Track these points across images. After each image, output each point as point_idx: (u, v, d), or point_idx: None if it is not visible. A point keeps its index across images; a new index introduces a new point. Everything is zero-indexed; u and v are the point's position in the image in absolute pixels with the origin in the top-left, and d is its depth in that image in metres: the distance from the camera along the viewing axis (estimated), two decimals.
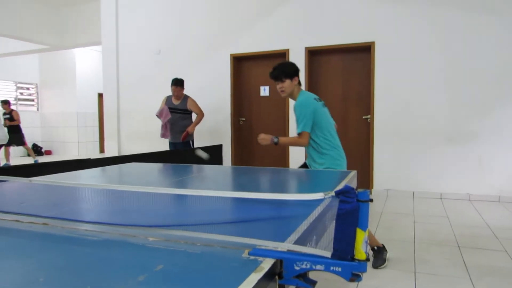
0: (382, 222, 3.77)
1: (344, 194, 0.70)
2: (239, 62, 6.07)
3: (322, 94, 5.55)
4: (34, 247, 0.84)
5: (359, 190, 0.70)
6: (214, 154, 5.75)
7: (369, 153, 5.17)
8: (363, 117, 5.30)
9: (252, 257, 0.74)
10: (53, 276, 0.67)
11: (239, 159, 6.16)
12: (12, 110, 9.28)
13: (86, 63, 11.59)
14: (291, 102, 5.40)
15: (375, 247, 2.63)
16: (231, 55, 5.96)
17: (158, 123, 5.36)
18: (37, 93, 12.31)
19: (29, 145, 11.77)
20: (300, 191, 1.79)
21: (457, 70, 4.69)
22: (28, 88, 12.24)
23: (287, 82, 2.64)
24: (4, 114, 9.18)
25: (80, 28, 8.91)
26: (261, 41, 5.73)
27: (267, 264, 0.70)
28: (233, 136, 6.05)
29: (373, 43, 5.00)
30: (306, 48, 5.41)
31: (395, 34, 4.92)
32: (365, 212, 0.70)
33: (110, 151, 6.89)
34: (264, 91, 6.04)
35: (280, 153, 5.77)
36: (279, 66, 2.68)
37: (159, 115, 5.21)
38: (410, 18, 4.84)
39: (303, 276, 0.74)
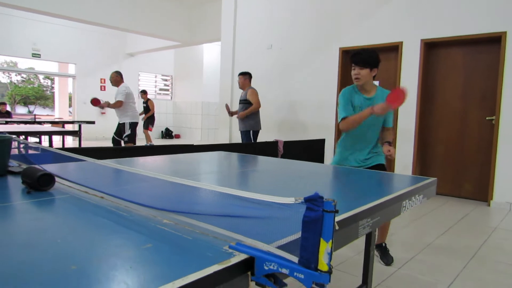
0: (491, 238, 3.28)
1: (311, 202, 0.69)
2: (348, 56, 5.88)
3: (439, 91, 5.04)
4: (88, 211, 1.07)
5: (326, 199, 0.68)
6: (316, 148, 5.75)
7: (491, 159, 4.50)
8: (487, 118, 4.63)
9: (230, 250, 0.78)
10: (82, 229, 0.83)
11: None
12: (149, 99, 10.62)
13: (212, 57, 12.67)
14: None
15: (384, 244, 2.68)
16: (340, 48, 5.83)
17: (266, 114, 5.65)
18: (171, 84, 14.00)
19: (163, 129, 13.49)
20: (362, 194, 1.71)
21: None
22: (166, 80, 14.01)
23: (366, 71, 2.50)
24: (143, 102, 10.66)
25: (206, 25, 9.78)
26: (372, 34, 5.46)
27: (236, 259, 0.74)
28: (337, 131, 5.93)
29: (504, 33, 4.30)
30: (422, 40, 4.95)
31: None
32: (329, 222, 0.67)
33: (222, 139, 7.46)
34: None
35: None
36: (364, 52, 2.54)
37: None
38: None
39: (274, 277, 0.75)
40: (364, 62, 2.49)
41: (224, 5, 7.47)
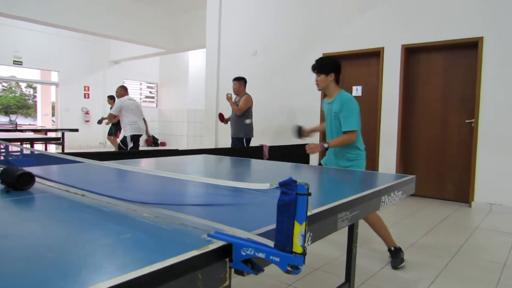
0: (473, 238, 3.35)
1: (286, 186, 0.71)
2: None
3: (420, 95, 5.15)
4: (68, 207, 1.06)
5: (300, 183, 0.70)
6: (301, 152, 5.80)
7: (471, 161, 4.61)
8: (466, 121, 4.75)
9: (208, 238, 0.80)
10: (61, 223, 0.83)
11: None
12: None
13: (197, 64, 12.67)
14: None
15: (392, 248, 2.67)
16: (323, 54, 5.91)
17: (253, 121, 5.67)
18: (157, 91, 13.94)
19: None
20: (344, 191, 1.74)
21: None
22: (151, 87, 13.94)
23: (322, 76, 2.81)
24: (111, 108, 9.95)
25: (191, 32, 9.81)
26: (354, 39, 5.56)
27: (214, 245, 0.75)
28: (322, 136, 5.99)
29: (481, 38, 4.44)
30: (402, 45, 5.07)
31: (508, 28, 4.28)
32: (302, 205, 0.69)
33: (208, 146, 7.45)
34: (357, 91, 5.84)
35: (370, 157, 5.51)
36: (319, 60, 2.90)
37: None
38: None
39: (251, 262, 0.77)
40: (318, 69, 2.83)
41: (209, 12, 7.52)
